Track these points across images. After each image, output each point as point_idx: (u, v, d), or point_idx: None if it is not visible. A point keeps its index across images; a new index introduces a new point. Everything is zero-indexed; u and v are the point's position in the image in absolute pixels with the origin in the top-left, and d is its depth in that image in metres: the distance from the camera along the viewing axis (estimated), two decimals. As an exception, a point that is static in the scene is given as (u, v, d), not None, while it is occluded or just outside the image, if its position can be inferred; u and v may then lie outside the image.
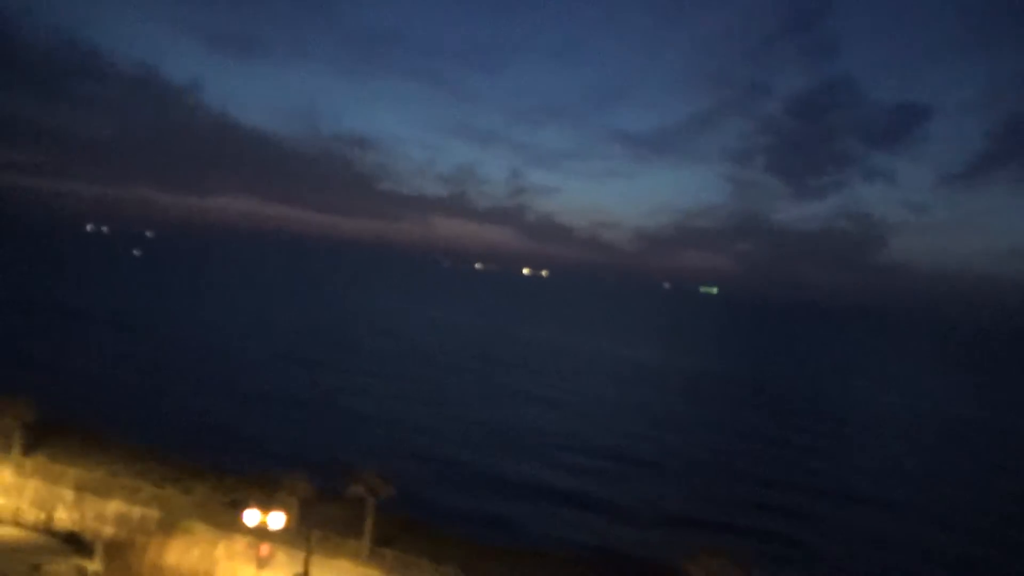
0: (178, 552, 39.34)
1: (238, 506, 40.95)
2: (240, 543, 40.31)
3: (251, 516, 38.41)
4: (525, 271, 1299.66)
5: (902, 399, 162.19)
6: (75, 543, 40.00)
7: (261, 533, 39.44)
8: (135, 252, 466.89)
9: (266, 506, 39.68)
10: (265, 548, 39.23)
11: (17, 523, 41.53)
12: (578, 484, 69.86)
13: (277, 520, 38.51)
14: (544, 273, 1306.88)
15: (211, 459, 56.68)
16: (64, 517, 42.60)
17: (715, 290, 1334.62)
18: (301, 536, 40.75)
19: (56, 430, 52.71)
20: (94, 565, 38.92)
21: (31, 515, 42.41)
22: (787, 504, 70.67)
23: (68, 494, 44.12)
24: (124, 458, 49.86)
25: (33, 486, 44.98)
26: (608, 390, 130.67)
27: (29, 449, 48.78)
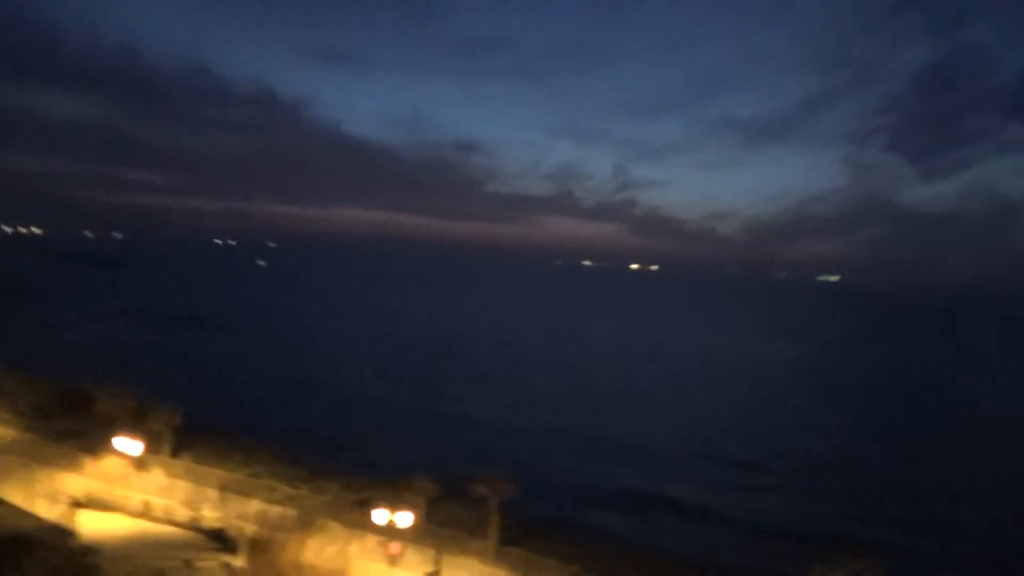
0: (314, 550, 41.08)
1: (367, 505, 42.25)
2: (371, 541, 41.59)
3: (380, 515, 39.58)
4: (633, 267, 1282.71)
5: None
6: (221, 540, 42.49)
7: (390, 532, 40.54)
8: (260, 263, 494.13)
9: (394, 506, 40.79)
10: (395, 546, 40.29)
11: (170, 521, 44.54)
12: (693, 491, 67.94)
13: (405, 519, 39.49)
14: (654, 268, 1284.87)
15: (340, 460, 58.99)
16: (210, 515, 45.36)
17: (835, 278, 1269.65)
18: (429, 535, 41.61)
19: (200, 433, 56.19)
20: (239, 561, 41.26)
21: (181, 513, 45.41)
22: (917, 513, 65.96)
23: (213, 494, 46.97)
24: (261, 460, 52.54)
25: (182, 486, 48.20)
26: (721, 389, 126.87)
27: (177, 451, 52.25)
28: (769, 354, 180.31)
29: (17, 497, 43.85)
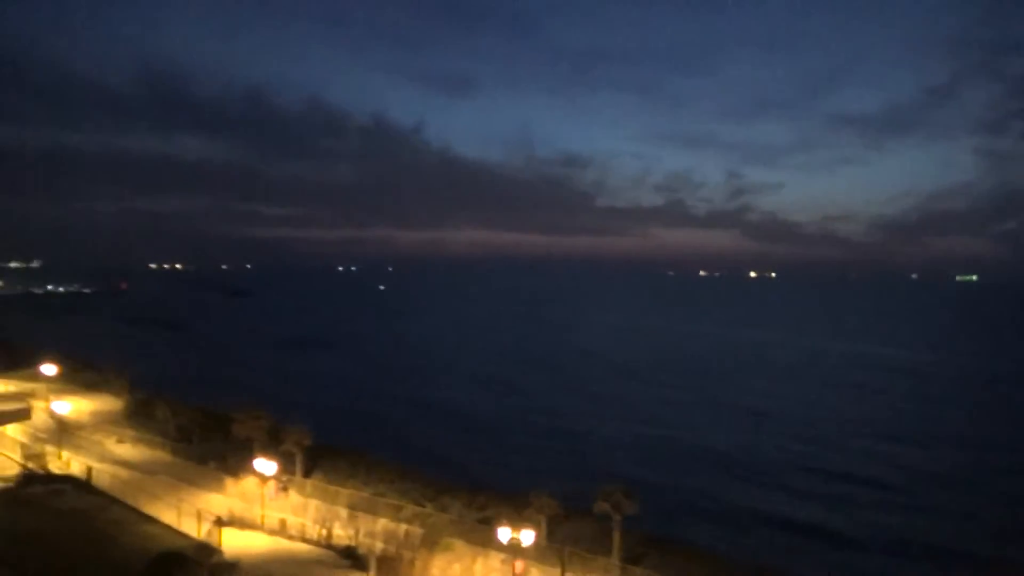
0: (441, 567, 41.64)
1: (489, 523, 42.45)
2: (495, 559, 41.71)
3: (503, 533, 39.62)
4: (752, 274, 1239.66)
5: None
6: (352, 557, 43.79)
7: (514, 550, 40.51)
8: (380, 287, 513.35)
9: (516, 523, 40.76)
10: (520, 564, 40.20)
11: (304, 538, 46.42)
12: (815, 510, 64.31)
13: (528, 537, 39.34)
14: (772, 274, 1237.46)
15: (461, 477, 59.85)
16: (341, 533, 46.95)
17: (974, 278, 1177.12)
18: (551, 552, 41.28)
19: (328, 453, 58.44)
20: (369, 578, 42.39)
21: (314, 531, 47.24)
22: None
23: (343, 512, 48.66)
24: (386, 478, 53.91)
25: (314, 505, 50.23)
26: (848, 397, 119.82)
27: (308, 471, 54.54)
28: (898, 358, 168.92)
29: (169, 516, 47.00)
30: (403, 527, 46.30)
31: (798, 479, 72.38)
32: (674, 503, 60.31)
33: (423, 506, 48.85)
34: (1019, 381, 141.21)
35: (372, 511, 48.45)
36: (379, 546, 45.22)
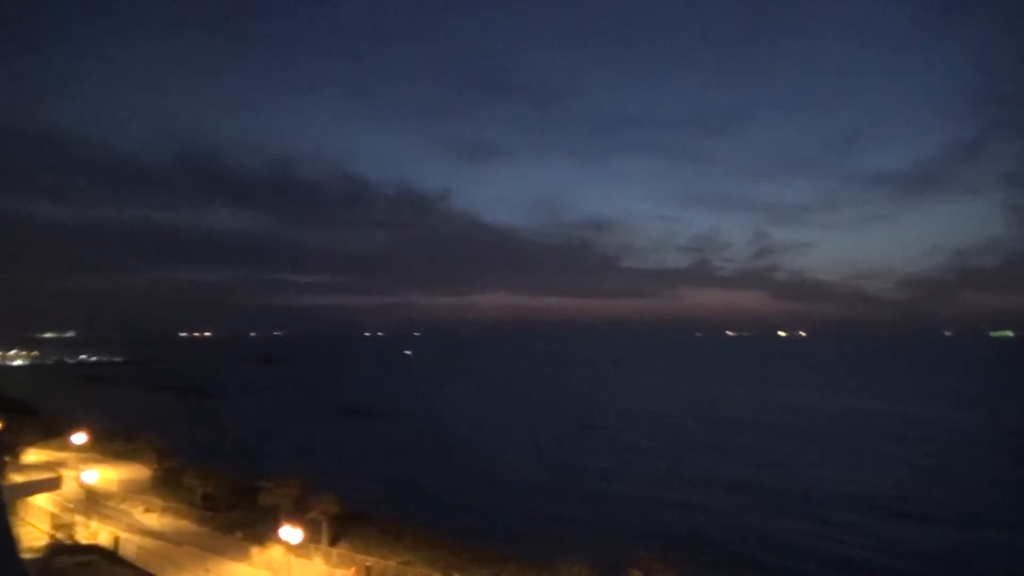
0: (469, 639, 40.48)
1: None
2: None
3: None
4: (781, 333, 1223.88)
5: None
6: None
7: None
8: (407, 352, 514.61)
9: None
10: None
11: (330, 609, 45.51)
12: (869, 558, 61.90)
13: (558, 606, 38.29)
14: (802, 333, 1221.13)
15: (492, 543, 58.65)
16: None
17: (1010, 333, 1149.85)
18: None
19: (357, 520, 57.78)
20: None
21: (340, 601, 46.35)
22: None
23: (360, 578, 47.74)
24: (414, 546, 53.06)
25: (341, 574, 49.41)
26: (886, 452, 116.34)
27: (335, 539, 53.83)
28: (933, 417, 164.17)
29: (194, 586, 46.55)
30: (431, 596, 45.31)
31: (830, 539, 69.97)
32: (715, 569, 58.39)
33: (450, 575, 47.86)
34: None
35: (396, 580, 47.55)
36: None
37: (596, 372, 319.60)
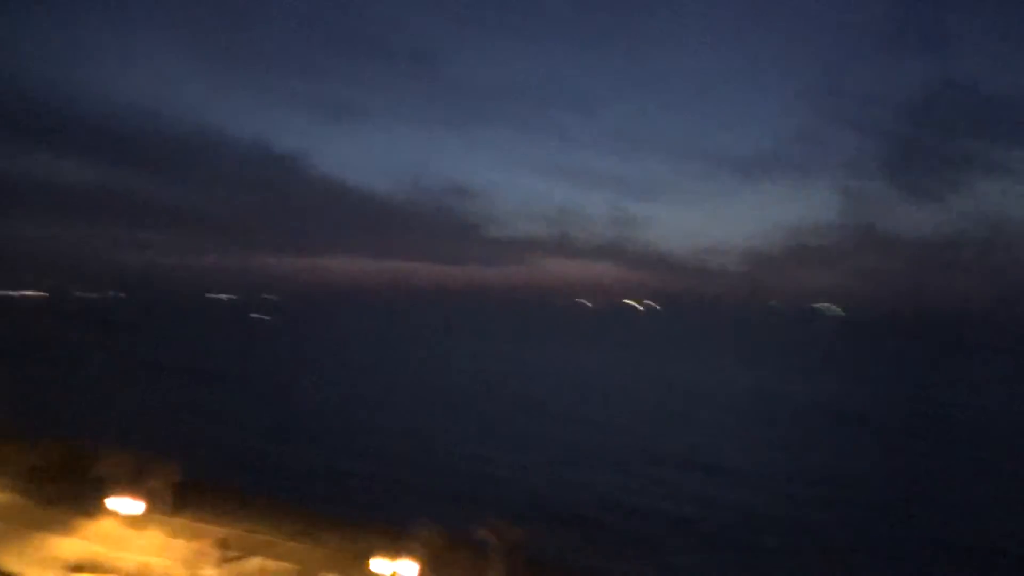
0: (316, 604, 40.29)
1: (368, 555, 41.58)
2: (374, 594, 40.81)
3: (380, 566, 38.95)
4: (632, 303, 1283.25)
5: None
6: (219, 599, 41.66)
7: (394, 583, 39.87)
8: (259, 315, 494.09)
9: (394, 555, 40.15)
10: (399, 598, 39.56)
11: (168, 582, 43.67)
12: (709, 519, 67.36)
13: (409, 569, 38.87)
14: (651, 303, 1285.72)
15: (339, 510, 58.31)
16: (210, 574, 44.50)
17: (833, 307, 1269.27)
18: (432, 584, 40.90)
19: (200, 490, 55.55)
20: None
21: (180, 574, 44.52)
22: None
23: (212, 552, 46.17)
24: (258, 514, 51.87)
25: (180, 545, 47.39)
26: (723, 420, 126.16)
27: (176, 509, 51.53)
28: (754, 384, 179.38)
29: (12, 565, 43.02)
30: (275, 564, 44.51)
31: (672, 503, 75.26)
32: (564, 533, 60.98)
33: (299, 541, 47.26)
34: (864, 409, 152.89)
35: (244, 549, 46.34)
36: (251, 586, 43.23)
37: (454, 339, 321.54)
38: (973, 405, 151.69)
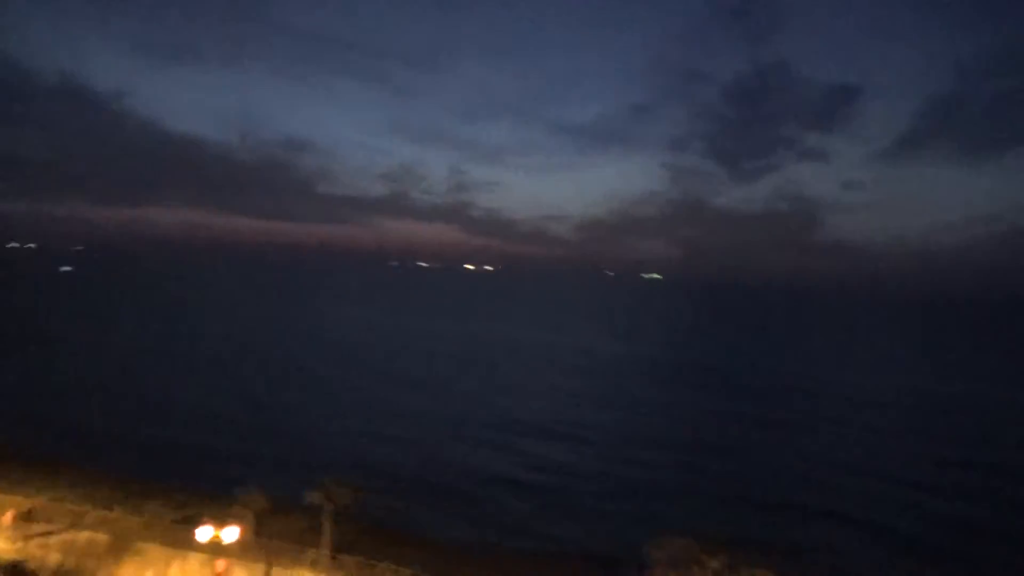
0: (129, 575, 38.21)
1: (191, 523, 39.97)
2: (194, 561, 39.39)
3: (204, 532, 37.62)
4: (469, 267, 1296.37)
5: (855, 376, 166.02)
6: (19, 573, 38.45)
7: (216, 549, 38.68)
8: (64, 268, 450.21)
9: (220, 520, 38.86)
10: (221, 564, 38.45)
11: (-44, 557, 39.69)
12: (537, 478, 70.42)
13: (231, 534, 37.79)
14: (489, 268, 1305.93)
15: (160, 476, 55.22)
16: (6, 547, 40.88)
17: (658, 276, 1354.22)
18: (259, 549, 40.06)
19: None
20: (40, 595, 37.55)
21: (-30, 548, 40.58)
22: (751, 493, 71.70)
23: (8, 523, 42.36)
24: (69, 483, 48.14)
25: (-29, 517, 43.09)
26: (551, 380, 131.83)
27: (-37, 479, 46.68)
28: (590, 346, 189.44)
29: None
30: (85, 535, 41.63)
31: (519, 452, 77.95)
32: (394, 493, 61.23)
33: (111, 509, 44.44)
34: (678, 367, 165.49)
35: (47, 519, 42.92)
36: (55, 558, 40.14)
37: (282, 300, 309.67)
38: (768, 365, 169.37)
